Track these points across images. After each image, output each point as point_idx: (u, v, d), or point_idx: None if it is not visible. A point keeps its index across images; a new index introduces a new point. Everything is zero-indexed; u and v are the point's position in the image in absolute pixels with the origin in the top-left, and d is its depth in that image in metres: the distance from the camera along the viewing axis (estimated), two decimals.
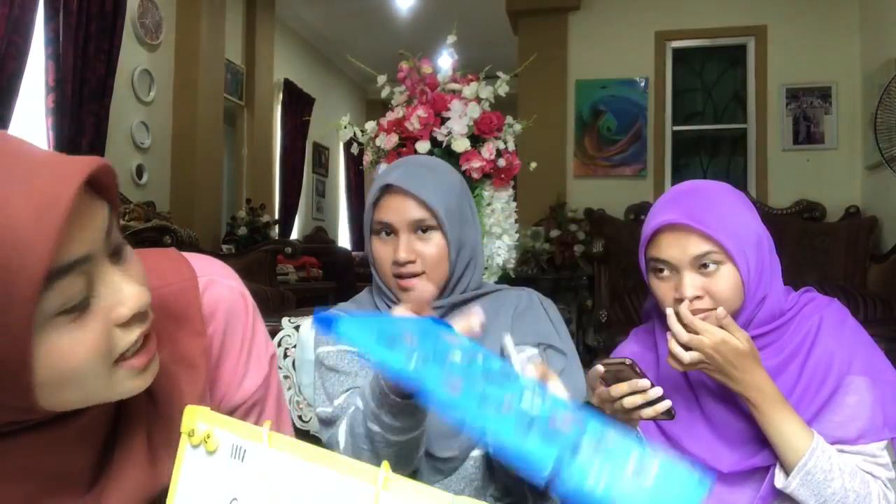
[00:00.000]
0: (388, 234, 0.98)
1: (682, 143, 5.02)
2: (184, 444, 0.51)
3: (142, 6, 4.07)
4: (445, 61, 1.85)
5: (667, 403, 0.82)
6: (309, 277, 5.24)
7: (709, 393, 0.96)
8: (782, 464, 0.90)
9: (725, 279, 0.91)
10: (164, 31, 4.30)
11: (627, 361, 0.82)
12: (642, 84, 4.90)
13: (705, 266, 0.91)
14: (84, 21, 3.45)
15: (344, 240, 8.07)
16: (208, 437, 0.50)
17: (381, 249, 0.99)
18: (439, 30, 3.60)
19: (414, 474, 0.94)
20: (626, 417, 0.86)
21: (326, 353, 1.00)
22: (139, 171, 4.10)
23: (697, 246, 0.90)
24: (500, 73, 1.84)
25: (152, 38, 4.19)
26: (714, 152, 5.03)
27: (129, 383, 0.50)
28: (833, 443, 0.90)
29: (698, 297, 0.91)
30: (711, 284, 0.91)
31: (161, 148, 4.37)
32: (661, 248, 0.94)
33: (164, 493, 0.52)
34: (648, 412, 0.83)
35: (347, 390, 0.95)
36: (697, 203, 0.93)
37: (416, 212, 0.95)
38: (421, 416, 0.82)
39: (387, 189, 0.98)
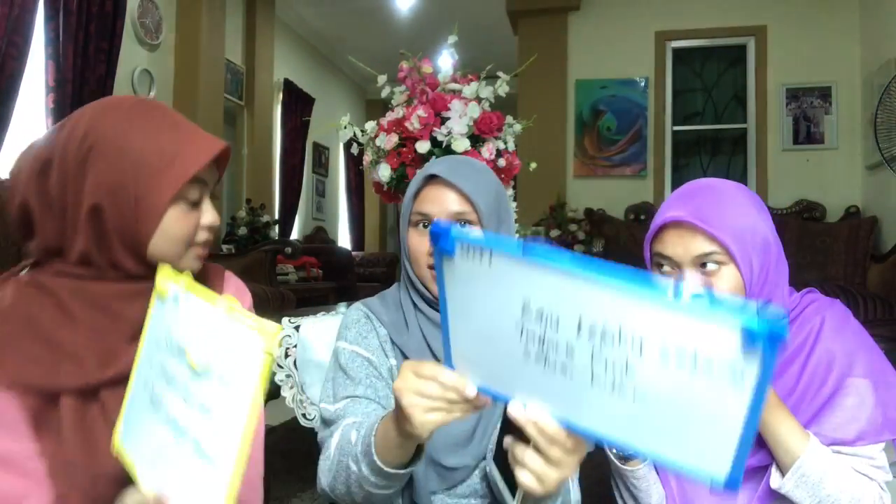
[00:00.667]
0: (425, 226, 0.98)
1: (682, 143, 5.02)
2: (154, 295, 0.74)
3: (142, 6, 4.07)
4: (445, 61, 1.85)
5: None
6: (309, 277, 5.24)
7: None
8: (778, 464, 0.90)
9: (726, 280, 0.90)
10: (164, 31, 4.30)
11: None
12: (642, 84, 4.90)
13: (707, 266, 0.91)
14: (84, 21, 3.44)
15: (344, 240, 8.07)
16: (164, 290, 0.73)
17: (419, 241, 0.98)
18: (439, 30, 3.60)
19: (411, 481, 0.94)
20: None
21: (342, 350, 1.00)
22: None
23: (701, 246, 0.90)
24: (500, 73, 1.84)
25: (152, 38, 4.19)
26: (714, 152, 5.03)
27: (190, 262, 0.83)
28: (831, 444, 0.90)
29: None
30: (712, 284, 0.91)
31: None
32: (665, 244, 0.94)
33: None
34: None
35: (348, 398, 0.95)
36: (706, 202, 0.92)
37: (457, 204, 0.96)
38: (404, 480, 0.82)
39: (429, 180, 0.98)
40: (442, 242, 0.64)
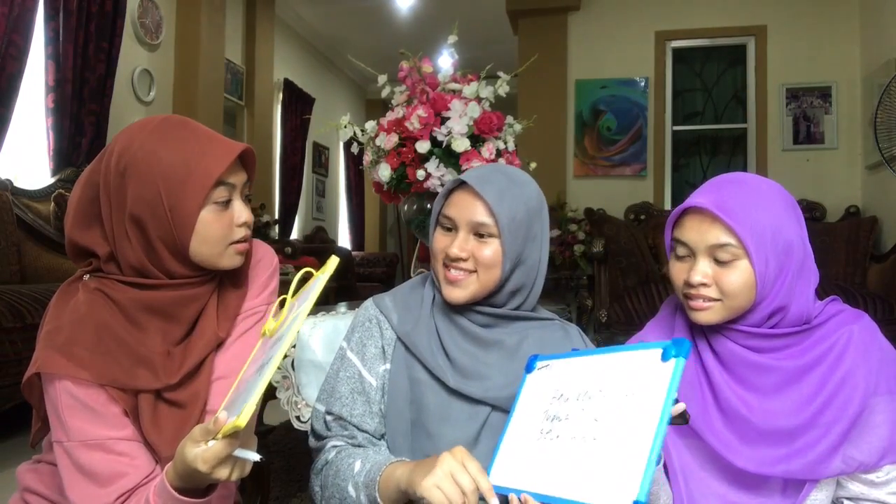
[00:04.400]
0: (449, 229, 1.00)
1: (682, 143, 5.02)
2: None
3: (142, 6, 4.07)
4: (446, 61, 1.84)
5: (681, 406, 0.82)
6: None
7: (725, 389, 0.95)
8: None
9: (738, 274, 0.90)
10: (164, 31, 4.30)
11: None
12: (642, 84, 4.90)
13: (720, 257, 0.91)
14: (84, 21, 3.44)
15: (344, 240, 8.07)
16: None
17: (440, 241, 1.01)
18: (439, 30, 3.60)
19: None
20: None
21: (344, 353, 1.04)
22: None
23: (717, 236, 0.90)
24: (500, 73, 1.84)
25: (152, 38, 4.19)
26: (714, 152, 5.03)
27: (232, 259, 0.91)
28: (858, 468, 0.89)
29: (704, 285, 0.92)
30: (722, 275, 0.91)
31: None
32: (684, 229, 0.95)
33: (219, 345, 0.93)
34: None
35: (334, 416, 0.99)
36: (732, 194, 0.92)
37: (480, 215, 0.96)
38: None
39: (460, 185, 1.00)
40: (528, 363, 0.92)
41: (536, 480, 0.77)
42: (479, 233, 0.97)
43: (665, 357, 0.73)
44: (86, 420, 0.82)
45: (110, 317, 0.85)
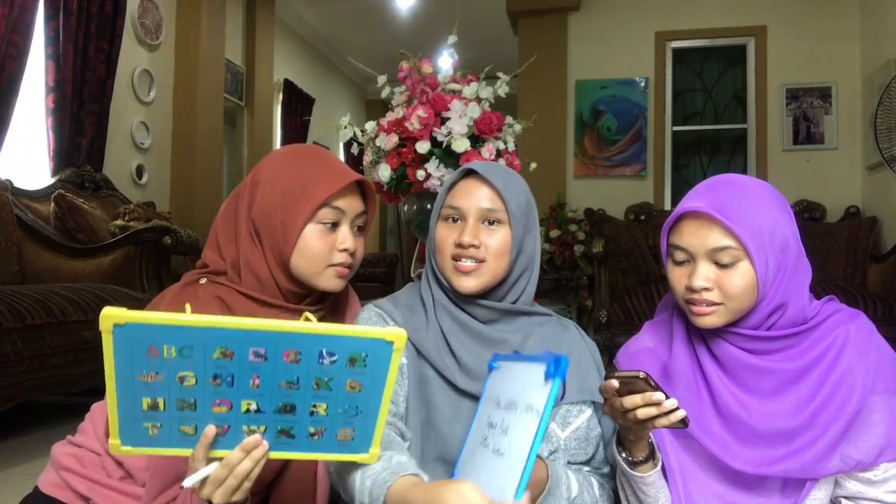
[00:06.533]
0: (455, 220, 1.00)
1: (682, 143, 5.02)
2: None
3: (142, 6, 4.07)
4: (445, 61, 1.85)
5: (681, 413, 0.82)
6: None
7: (722, 390, 0.95)
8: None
9: (740, 276, 0.90)
10: (164, 31, 4.30)
11: (641, 375, 0.81)
12: (642, 84, 4.90)
13: (721, 260, 0.90)
14: (84, 21, 3.44)
15: None
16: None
17: (446, 233, 1.00)
18: (439, 30, 3.60)
19: None
20: (639, 426, 0.85)
21: None
22: (139, 171, 4.10)
23: (717, 239, 0.90)
24: (500, 74, 1.84)
25: (152, 38, 4.19)
26: (714, 152, 5.03)
27: (330, 281, 0.98)
28: (856, 465, 0.89)
29: (707, 289, 0.91)
30: (724, 278, 0.90)
31: (161, 148, 4.36)
32: (682, 234, 0.94)
33: None
34: (663, 422, 0.82)
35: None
36: (727, 195, 0.92)
37: (488, 201, 0.98)
38: None
39: (465, 175, 1.01)
40: (490, 363, 0.91)
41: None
42: (488, 219, 0.98)
43: (546, 376, 0.74)
44: None
45: None
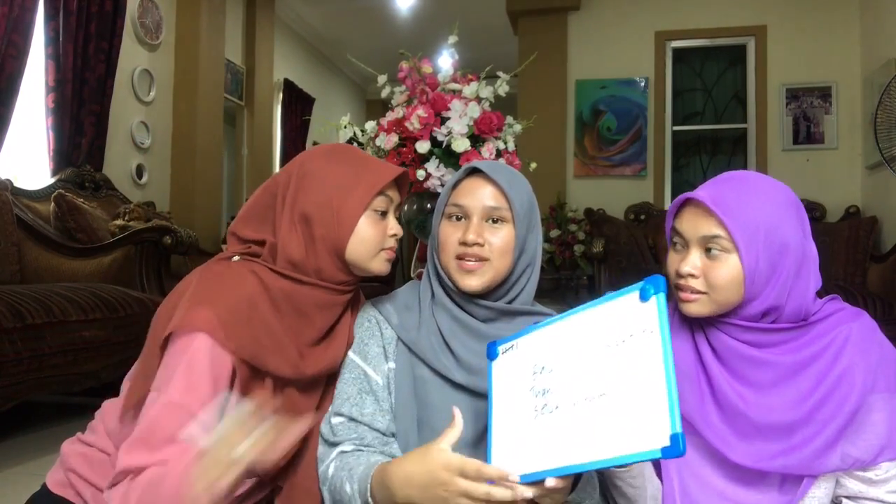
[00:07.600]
0: (458, 218, 1.01)
1: (682, 143, 5.02)
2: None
3: (142, 6, 4.06)
4: (445, 61, 1.85)
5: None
6: None
7: (722, 383, 0.95)
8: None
9: (726, 269, 0.91)
10: (164, 31, 4.30)
11: None
12: (642, 84, 4.90)
13: (711, 249, 0.92)
14: (84, 21, 3.44)
15: None
16: None
17: (450, 231, 1.01)
18: (439, 30, 3.60)
19: None
20: None
21: (348, 354, 1.03)
22: (139, 171, 4.10)
23: (709, 228, 0.92)
24: (500, 73, 1.84)
25: (152, 38, 4.19)
26: (714, 152, 5.03)
27: (381, 264, 1.03)
28: (853, 464, 0.89)
29: (693, 276, 0.94)
30: (711, 268, 0.92)
31: (161, 148, 4.36)
32: (681, 220, 0.97)
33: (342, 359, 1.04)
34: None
35: (343, 417, 0.98)
36: (731, 189, 0.93)
37: (492, 199, 0.99)
38: None
39: (469, 174, 1.02)
40: (489, 351, 0.90)
41: (553, 457, 0.73)
42: (493, 218, 0.99)
43: (644, 297, 0.74)
44: (202, 385, 0.85)
45: (259, 299, 0.94)
